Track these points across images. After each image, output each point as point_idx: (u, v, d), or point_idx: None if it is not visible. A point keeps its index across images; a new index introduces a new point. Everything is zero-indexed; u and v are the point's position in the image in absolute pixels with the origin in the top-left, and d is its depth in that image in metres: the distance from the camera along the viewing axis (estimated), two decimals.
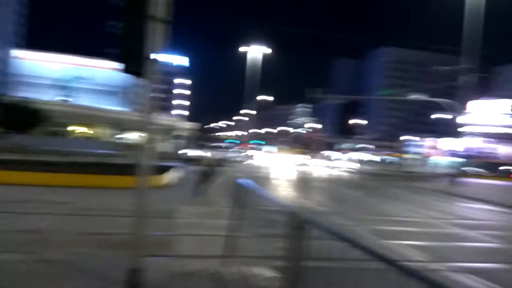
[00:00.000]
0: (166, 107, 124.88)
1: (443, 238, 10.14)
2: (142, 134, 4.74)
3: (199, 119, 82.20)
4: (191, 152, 27.83)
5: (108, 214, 9.88)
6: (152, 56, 4.52)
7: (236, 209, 5.50)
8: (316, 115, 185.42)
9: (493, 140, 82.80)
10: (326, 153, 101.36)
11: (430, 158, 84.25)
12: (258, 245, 4.44)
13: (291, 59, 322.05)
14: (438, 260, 7.59)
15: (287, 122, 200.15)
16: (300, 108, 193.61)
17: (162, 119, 60.53)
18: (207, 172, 15.07)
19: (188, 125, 63.58)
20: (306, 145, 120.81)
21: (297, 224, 3.26)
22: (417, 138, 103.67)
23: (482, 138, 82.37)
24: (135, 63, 4.56)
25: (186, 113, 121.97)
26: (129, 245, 4.75)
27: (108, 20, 4.94)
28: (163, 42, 4.60)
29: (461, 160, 38.19)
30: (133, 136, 44.24)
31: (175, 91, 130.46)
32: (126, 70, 4.69)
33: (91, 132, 49.67)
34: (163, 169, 18.00)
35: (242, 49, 56.75)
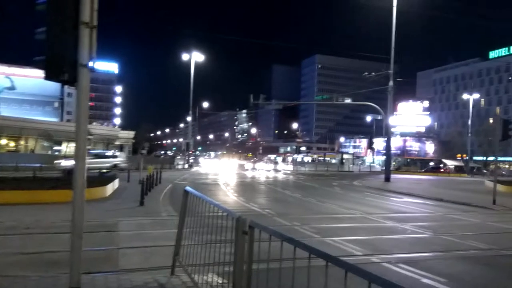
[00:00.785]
0: (102, 116, 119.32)
1: (379, 231, 10.85)
2: (75, 145, 4.55)
3: (141, 127, 79.56)
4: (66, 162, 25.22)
5: (43, 231, 9.32)
6: (81, 63, 4.41)
7: (183, 217, 5.52)
8: (259, 120, 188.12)
9: (419, 138, 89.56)
10: (269, 156, 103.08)
11: (365, 157, 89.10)
12: (206, 252, 4.50)
13: (235, 67, 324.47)
14: (375, 253, 8.14)
15: (233, 127, 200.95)
16: (243, 114, 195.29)
17: (97, 128, 57.78)
18: (151, 180, 14.75)
19: (125, 133, 61.16)
20: (250, 149, 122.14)
21: (242, 228, 3.40)
22: (352, 139, 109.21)
23: (410, 137, 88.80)
24: (61, 70, 4.41)
25: (119, 121, 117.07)
26: (68, 263, 4.53)
27: (38, 27, 4.75)
28: (91, 48, 4.50)
29: (393, 158, 40.94)
30: (70, 148, 41.76)
31: (111, 99, 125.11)
32: (52, 78, 4.53)
33: (24, 145, 46.06)
34: (106, 180, 17.34)
35: (185, 56, 56.13)
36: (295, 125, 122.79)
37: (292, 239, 2.83)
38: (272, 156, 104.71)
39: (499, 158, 72.18)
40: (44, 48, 4.57)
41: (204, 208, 4.85)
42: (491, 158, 68.47)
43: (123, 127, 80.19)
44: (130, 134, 62.42)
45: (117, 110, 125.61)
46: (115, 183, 18.65)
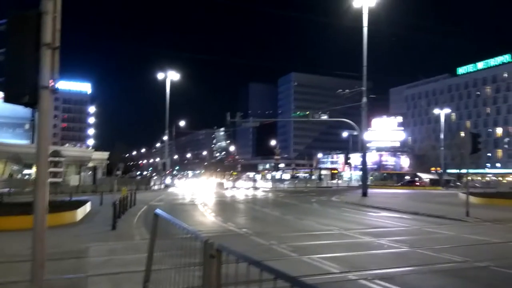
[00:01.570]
0: (75, 137, 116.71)
1: (356, 247, 10.83)
2: (35, 170, 4.35)
3: (115, 148, 78.02)
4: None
5: (6, 260, 8.81)
6: (42, 85, 4.26)
7: (153, 241, 5.33)
8: (237, 138, 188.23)
9: (394, 153, 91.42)
10: (247, 174, 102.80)
11: (342, 172, 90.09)
12: (179, 276, 4.34)
13: (211, 85, 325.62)
14: (352, 269, 8.08)
15: (211, 146, 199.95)
16: (221, 132, 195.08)
17: (70, 150, 56.37)
18: (125, 202, 14.34)
19: (98, 154, 59.72)
20: (228, 168, 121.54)
21: (210, 252, 3.29)
22: (330, 155, 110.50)
23: (385, 152, 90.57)
24: (22, 93, 4.25)
25: (93, 142, 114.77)
26: None
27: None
28: (53, 69, 4.36)
29: (369, 172, 41.54)
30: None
31: (84, 119, 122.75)
32: (12, 101, 4.36)
33: None
34: (77, 204, 16.78)
35: (160, 75, 56.00)
36: (273, 142, 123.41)
37: (258, 262, 2.74)
38: (251, 174, 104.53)
39: (472, 171, 74.39)
40: (4, 70, 4.42)
41: (174, 231, 4.70)
42: (464, 171, 70.46)
43: (97, 148, 78.58)
44: (104, 155, 61.03)
45: (91, 131, 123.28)
46: (87, 207, 18.06)
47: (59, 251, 9.61)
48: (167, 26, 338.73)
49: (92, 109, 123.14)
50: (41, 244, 4.26)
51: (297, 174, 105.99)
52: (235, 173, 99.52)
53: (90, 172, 53.54)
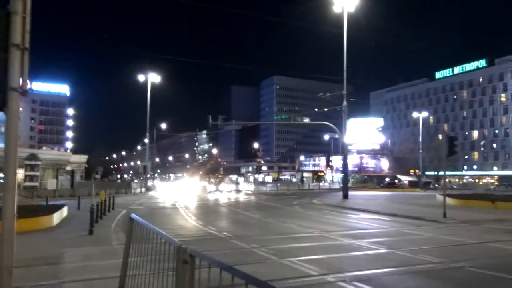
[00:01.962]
0: (53, 140, 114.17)
1: (336, 250, 10.90)
2: (3, 174, 4.21)
3: (95, 151, 76.60)
4: None
5: None
6: (11, 86, 4.13)
7: (128, 246, 5.23)
8: (219, 140, 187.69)
9: (374, 155, 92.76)
10: (230, 177, 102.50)
11: (324, 175, 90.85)
12: (154, 282, 4.26)
13: (193, 88, 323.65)
14: (331, 272, 8.12)
15: (193, 149, 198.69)
16: (203, 135, 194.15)
17: (46, 153, 55.04)
18: (103, 206, 14.07)
19: (76, 158, 58.47)
20: (211, 170, 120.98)
21: (183, 257, 3.25)
22: (312, 157, 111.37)
23: (366, 155, 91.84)
24: None
25: (71, 145, 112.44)
26: None
27: None
28: (22, 71, 4.24)
29: (350, 175, 42.01)
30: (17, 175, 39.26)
31: (62, 122, 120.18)
32: None
33: None
34: (53, 208, 16.38)
35: (141, 77, 55.37)
36: (256, 145, 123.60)
37: (230, 267, 2.71)
38: (234, 177, 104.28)
39: (449, 173, 76.19)
40: None
41: (149, 236, 4.62)
42: (441, 173, 72.13)
43: (75, 151, 77.07)
44: (83, 158, 59.80)
45: (69, 134, 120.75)
46: (63, 211, 17.65)
47: (33, 257, 9.35)
48: (149, 28, 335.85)
49: (70, 111, 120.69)
50: (9, 250, 4.11)
51: (283, 177, 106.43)
52: (221, 176, 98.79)
53: (68, 176, 52.37)
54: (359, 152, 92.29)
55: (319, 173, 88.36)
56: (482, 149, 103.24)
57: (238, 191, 53.79)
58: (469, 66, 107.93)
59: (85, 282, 7.38)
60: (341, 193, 37.50)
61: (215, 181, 78.46)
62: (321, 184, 77.12)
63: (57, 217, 15.79)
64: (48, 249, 10.48)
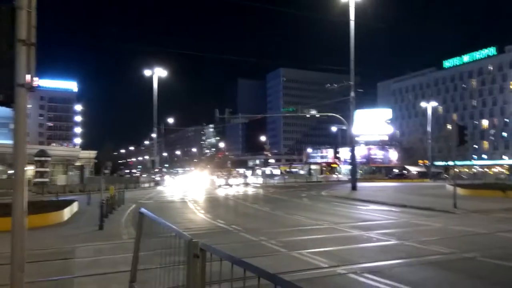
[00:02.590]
0: (62, 136, 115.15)
1: (346, 241, 10.86)
2: (14, 170, 4.22)
3: (103, 146, 77.16)
4: None
5: None
6: (18, 82, 4.12)
7: (138, 240, 5.24)
8: (226, 134, 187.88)
9: (382, 146, 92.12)
10: (238, 170, 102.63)
11: (338, 167, 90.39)
12: (165, 276, 4.27)
13: (200, 82, 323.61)
14: (341, 264, 8.09)
15: (200, 142, 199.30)
16: (210, 128, 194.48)
17: (56, 149, 55.59)
18: (113, 201, 14.16)
19: (85, 153, 58.96)
20: (219, 164, 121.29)
21: (194, 251, 3.23)
22: (319, 150, 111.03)
23: (374, 146, 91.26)
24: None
25: (80, 141, 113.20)
26: None
27: None
28: (29, 67, 4.23)
29: (359, 166, 41.81)
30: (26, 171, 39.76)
31: (71, 118, 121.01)
32: None
33: None
34: (63, 204, 16.55)
35: (148, 72, 55.43)
36: (263, 138, 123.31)
37: (242, 261, 2.68)
38: (241, 170, 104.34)
39: (459, 163, 75.48)
40: None
41: (159, 230, 4.63)
42: (451, 163, 71.50)
43: (84, 146, 77.58)
44: (92, 153, 60.29)
45: (78, 130, 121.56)
46: (74, 207, 17.82)
47: (45, 252, 9.46)
48: (155, 22, 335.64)
49: (78, 107, 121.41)
50: (20, 246, 4.14)
51: (289, 169, 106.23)
52: (231, 169, 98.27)
53: (78, 171, 52.90)
54: (367, 143, 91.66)
55: (332, 165, 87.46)
56: (492, 138, 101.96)
57: (246, 184, 53.78)
58: (478, 54, 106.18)
59: (96, 276, 7.45)
60: (349, 185, 37.37)
61: (224, 175, 78.20)
62: (334, 176, 76.72)
63: (67, 213, 15.95)
64: (59, 244, 10.59)
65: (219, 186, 46.35)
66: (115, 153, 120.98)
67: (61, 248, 10.06)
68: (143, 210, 5.29)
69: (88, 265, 8.34)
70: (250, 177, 77.74)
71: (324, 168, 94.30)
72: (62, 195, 28.32)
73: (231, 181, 48.08)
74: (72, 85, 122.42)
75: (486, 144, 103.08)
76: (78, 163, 53.32)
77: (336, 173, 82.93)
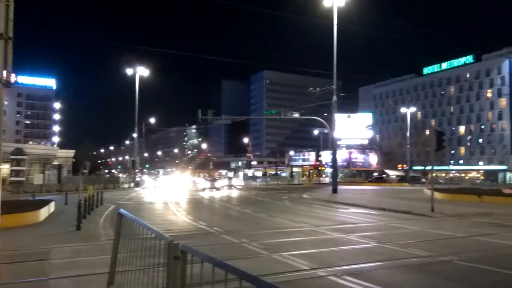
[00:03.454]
0: (39, 134, 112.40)
1: (326, 244, 10.94)
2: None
3: (82, 145, 75.66)
4: None
5: None
6: None
7: (117, 242, 5.14)
8: (209, 135, 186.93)
9: (363, 150, 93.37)
10: (220, 172, 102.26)
11: (319, 169, 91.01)
12: (144, 278, 4.20)
13: (183, 82, 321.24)
14: (322, 266, 8.14)
15: (182, 143, 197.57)
16: (193, 129, 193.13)
17: (33, 147, 54.19)
18: (91, 201, 13.88)
19: (63, 152, 57.61)
20: (201, 165, 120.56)
21: (174, 253, 3.19)
22: (301, 152, 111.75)
23: (354, 150, 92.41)
24: None
25: (58, 139, 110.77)
26: None
27: None
28: (6, 60, 4.10)
29: (340, 169, 42.19)
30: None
31: (49, 116, 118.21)
32: None
33: None
34: (40, 204, 16.13)
35: (129, 71, 54.68)
36: (245, 140, 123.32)
37: (223, 263, 2.66)
38: (223, 171, 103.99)
39: (436, 167, 77.17)
40: None
41: (139, 232, 4.54)
42: (429, 168, 72.99)
43: (63, 145, 76.04)
44: (70, 153, 58.95)
45: (56, 128, 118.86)
46: (51, 207, 17.39)
47: (20, 253, 9.20)
48: (137, 21, 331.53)
49: (57, 105, 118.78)
50: None
51: (272, 172, 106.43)
52: (217, 172, 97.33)
53: (55, 170, 51.65)
54: (348, 147, 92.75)
55: (319, 168, 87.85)
56: (468, 144, 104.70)
57: (230, 186, 53.35)
58: (456, 62, 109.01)
59: (73, 278, 7.27)
60: (330, 188, 37.69)
61: (205, 176, 77.01)
62: (321, 178, 77.10)
63: (44, 213, 15.56)
64: (35, 245, 10.31)
65: (204, 189, 44.52)
66: (94, 153, 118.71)
67: (37, 249, 9.80)
68: (122, 211, 5.20)
69: (65, 267, 8.13)
70: (231, 179, 77.40)
71: (311, 171, 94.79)
72: (39, 194, 27.60)
73: (218, 183, 46.99)
74: (51, 82, 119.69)
75: (462, 150, 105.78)
76: (55, 162, 52.06)
77: (323, 175, 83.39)
